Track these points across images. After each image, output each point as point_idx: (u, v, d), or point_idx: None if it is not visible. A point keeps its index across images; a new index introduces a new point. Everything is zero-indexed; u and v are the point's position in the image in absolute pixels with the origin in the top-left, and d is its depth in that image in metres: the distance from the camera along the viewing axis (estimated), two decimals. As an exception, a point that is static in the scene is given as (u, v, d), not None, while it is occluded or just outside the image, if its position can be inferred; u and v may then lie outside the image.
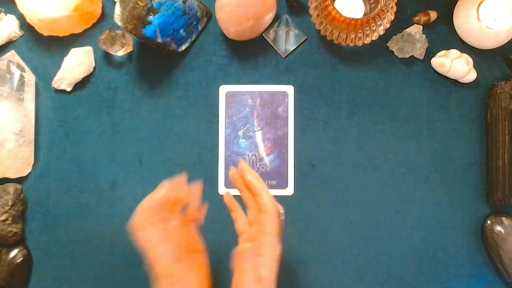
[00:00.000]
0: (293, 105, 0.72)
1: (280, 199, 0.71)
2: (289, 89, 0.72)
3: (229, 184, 0.71)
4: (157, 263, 0.55)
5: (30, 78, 0.71)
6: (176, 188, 0.58)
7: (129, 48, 0.72)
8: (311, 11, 0.69)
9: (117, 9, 0.64)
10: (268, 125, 0.72)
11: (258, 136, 0.72)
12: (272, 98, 0.72)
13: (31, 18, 0.70)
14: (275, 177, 0.71)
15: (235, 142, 0.72)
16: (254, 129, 0.72)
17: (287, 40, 0.73)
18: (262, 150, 0.72)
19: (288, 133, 0.72)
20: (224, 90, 0.72)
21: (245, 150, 0.72)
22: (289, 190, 0.71)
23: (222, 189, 0.71)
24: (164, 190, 0.56)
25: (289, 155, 0.71)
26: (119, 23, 0.65)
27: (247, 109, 0.72)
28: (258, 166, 0.71)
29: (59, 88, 0.71)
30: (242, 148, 0.72)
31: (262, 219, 0.56)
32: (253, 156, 0.72)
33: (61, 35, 0.72)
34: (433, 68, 0.73)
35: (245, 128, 0.72)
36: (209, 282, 0.60)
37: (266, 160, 0.72)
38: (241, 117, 0.72)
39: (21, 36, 0.73)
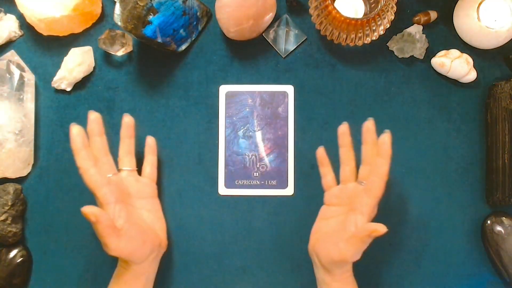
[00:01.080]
0: (293, 105, 0.72)
1: (280, 199, 0.71)
2: (289, 89, 0.72)
3: (229, 184, 0.71)
4: (102, 205, 0.60)
5: (30, 78, 0.71)
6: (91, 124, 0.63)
7: (129, 48, 0.72)
8: (311, 11, 0.69)
9: (117, 9, 0.64)
10: (268, 125, 0.72)
11: (258, 136, 0.72)
12: (272, 98, 0.72)
13: (31, 18, 0.70)
14: (275, 177, 0.71)
15: (235, 142, 0.72)
16: (254, 129, 0.72)
17: (287, 40, 0.73)
18: (262, 150, 0.72)
19: (288, 133, 0.72)
20: (224, 90, 0.72)
21: (245, 150, 0.72)
22: (289, 190, 0.71)
23: (222, 189, 0.71)
24: (74, 128, 0.60)
25: (289, 155, 0.71)
26: (119, 23, 0.65)
27: (247, 109, 0.72)
28: (258, 166, 0.71)
29: (59, 88, 0.71)
30: (242, 148, 0.72)
31: (371, 180, 0.59)
32: (253, 156, 0.72)
33: (61, 35, 0.72)
34: (433, 68, 0.73)
35: (245, 128, 0.72)
36: (163, 223, 0.68)
37: (266, 160, 0.71)
38: (241, 117, 0.72)
39: (21, 36, 0.73)
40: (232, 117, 0.72)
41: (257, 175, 0.71)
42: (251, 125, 0.72)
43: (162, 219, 0.68)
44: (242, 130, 0.72)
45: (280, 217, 0.71)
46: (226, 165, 0.71)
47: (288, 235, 0.71)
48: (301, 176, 0.71)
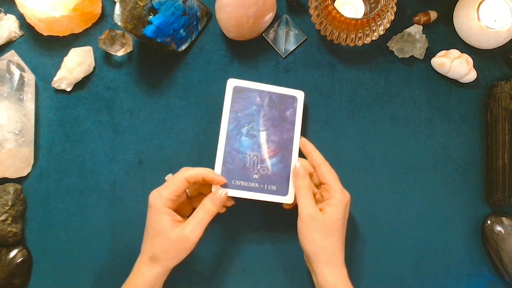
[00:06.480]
0: (302, 111, 0.69)
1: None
2: (299, 95, 0.69)
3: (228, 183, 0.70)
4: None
5: (30, 78, 0.71)
6: None
7: (129, 48, 0.71)
8: (311, 11, 0.69)
9: (117, 9, 0.64)
10: (274, 127, 0.68)
11: (263, 136, 0.68)
12: (281, 100, 0.69)
13: (31, 18, 0.70)
14: (275, 182, 0.67)
15: (237, 139, 0.68)
16: (259, 128, 0.68)
17: (287, 40, 0.73)
18: (265, 151, 0.68)
19: (294, 139, 0.68)
20: (232, 84, 0.68)
21: (247, 149, 0.68)
22: (289, 198, 0.67)
23: (215, 187, 0.68)
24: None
25: (293, 161, 0.67)
26: (119, 23, 0.65)
27: (254, 107, 0.68)
28: (258, 167, 0.67)
29: (59, 88, 0.71)
30: (243, 147, 0.68)
31: (318, 172, 0.65)
32: (255, 157, 0.68)
33: (61, 35, 0.72)
34: (433, 68, 0.73)
35: (250, 126, 0.68)
36: None
37: (268, 162, 0.68)
38: (247, 114, 0.68)
39: (21, 36, 0.73)
40: (237, 113, 0.68)
41: (256, 177, 0.67)
42: (256, 124, 0.68)
43: None
44: (246, 127, 0.68)
45: (280, 217, 0.71)
46: (224, 162, 0.67)
47: (288, 235, 0.71)
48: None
